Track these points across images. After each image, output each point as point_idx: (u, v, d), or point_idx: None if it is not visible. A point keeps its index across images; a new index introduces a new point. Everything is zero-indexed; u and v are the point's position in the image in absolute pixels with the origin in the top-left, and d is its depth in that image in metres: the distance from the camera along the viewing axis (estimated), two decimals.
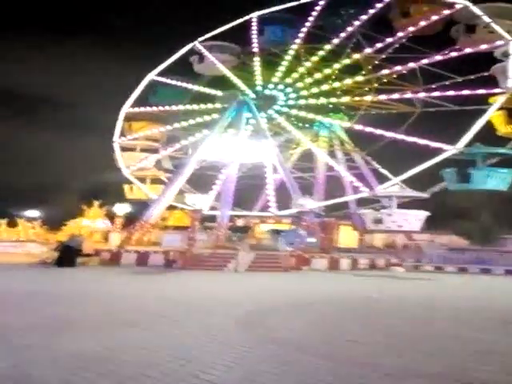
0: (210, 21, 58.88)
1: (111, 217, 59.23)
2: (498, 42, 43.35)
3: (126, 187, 58.28)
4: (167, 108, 55.46)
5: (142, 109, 56.93)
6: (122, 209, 53.46)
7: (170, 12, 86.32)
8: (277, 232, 46.08)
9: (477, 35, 45.64)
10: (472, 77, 46.21)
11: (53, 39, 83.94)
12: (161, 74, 57.62)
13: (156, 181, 58.05)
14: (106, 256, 37.76)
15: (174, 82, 56.07)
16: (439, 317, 16.61)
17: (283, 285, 26.41)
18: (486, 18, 44.14)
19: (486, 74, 45.85)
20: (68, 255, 34.09)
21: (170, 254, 36.80)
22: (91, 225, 58.47)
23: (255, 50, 53.09)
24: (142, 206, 53.69)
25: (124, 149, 57.18)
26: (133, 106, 57.66)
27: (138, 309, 16.09)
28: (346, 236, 50.49)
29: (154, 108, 56.38)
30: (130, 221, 53.53)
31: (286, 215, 46.01)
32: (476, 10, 44.72)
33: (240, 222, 50.47)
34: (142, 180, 56.55)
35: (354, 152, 51.87)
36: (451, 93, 44.49)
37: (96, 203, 60.91)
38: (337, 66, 48.75)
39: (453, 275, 36.67)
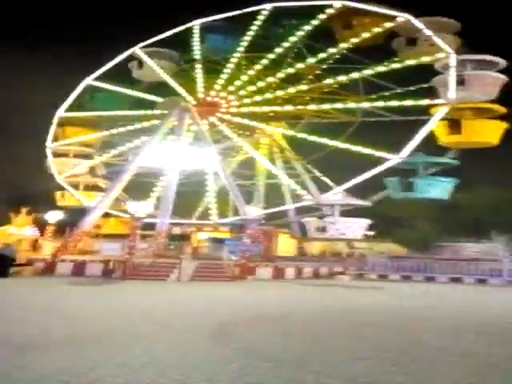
0: (150, 28, 57.49)
1: (40, 224, 56.75)
2: (439, 55, 43.76)
3: (58, 194, 56.07)
4: (104, 113, 53.75)
5: (78, 114, 54.86)
6: (54, 216, 51.05)
7: (109, 18, 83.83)
8: (217, 240, 45.14)
9: (418, 48, 46.18)
10: (412, 88, 46.43)
11: None
12: (99, 79, 55.79)
13: (89, 187, 55.99)
14: (39, 265, 35.86)
15: (111, 87, 54.44)
16: (417, 327, 16.11)
17: (237, 295, 25.46)
18: (428, 32, 44.59)
19: (425, 85, 46.14)
20: (1, 265, 32.04)
21: (110, 263, 35.25)
22: (18, 232, 55.77)
23: (196, 57, 52.06)
24: (74, 213, 51.81)
25: (57, 154, 55.12)
26: (68, 110, 55.57)
27: (94, 324, 14.90)
28: (284, 244, 50.02)
29: (90, 113, 54.52)
30: (63, 228, 51.48)
31: (229, 223, 45.22)
32: (417, 23, 45.13)
33: (177, 230, 49.20)
34: (75, 186, 54.48)
35: (295, 160, 51.39)
36: (395, 103, 44.64)
37: (24, 210, 58.23)
38: (280, 74, 48.11)
39: (399, 283, 36.52)
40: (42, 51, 76.29)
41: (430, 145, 45.47)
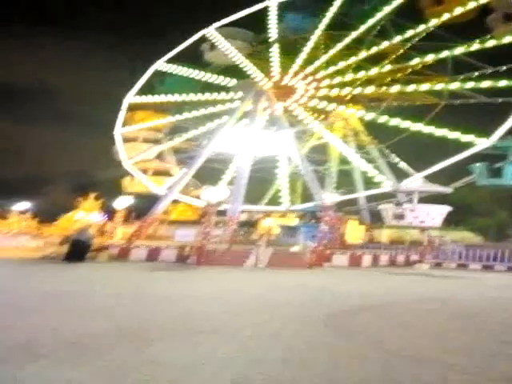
0: (225, 7, 56.19)
1: (107, 210, 57.16)
2: None
3: (126, 180, 56.03)
4: (175, 98, 53.09)
5: (148, 98, 54.43)
6: (123, 202, 51.10)
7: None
8: (290, 227, 44.44)
9: None
10: (504, 67, 43.84)
11: (54, 30, 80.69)
12: (170, 62, 55.16)
13: (158, 173, 55.71)
14: (114, 251, 35.81)
15: (183, 71, 53.69)
16: None
17: (323, 283, 24.52)
18: None
19: None
20: (78, 250, 31.96)
21: (186, 249, 34.92)
22: (86, 217, 56.20)
23: (273, 37, 50.50)
24: (143, 199, 51.89)
25: (126, 139, 54.92)
26: (138, 95, 55.25)
27: (200, 312, 14.20)
28: (353, 231, 48.95)
29: (161, 97, 53.96)
30: (132, 214, 51.66)
31: (302, 210, 44.41)
32: None
33: (243, 217, 48.60)
34: (144, 172, 54.25)
35: (371, 144, 49.58)
36: (487, 83, 42.02)
37: (91, 195, 58.76)
38: (363, 54, 46.12)
39: (483, 273, 34.90)
40: (112, 34, 76.53)
41: None
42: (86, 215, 56.87)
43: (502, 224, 45.57)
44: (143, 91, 56.02)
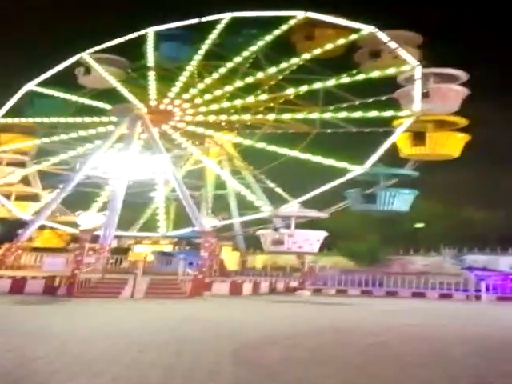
0: (100, 33, 55.04)
1: None
2: (404, 67, 43.11)
3: None
4: (45, 120, 51.36)
5: (16, 120, 52.10)
6: None
7: (57, 23, 79.76)
8: (164, 254, 42.91)
9: (381, 60, 45.89)
10: (369, 100, 45.21)
11: None
12: (43, 85, 53.12)
13: (23, 197, 52.38)
14: None
15: (54, 93, 51.88)
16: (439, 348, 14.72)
17: (210, 314, 23.40)
18: (393, 44, 44.13)
19: (383, 97, 44.93)
20: None
21: (56, 280, 32.39)
22: None
23: (149, 64, 50.42)
24: (4, 225, 48.58)
25: None
26: (6, 117, 52.61)
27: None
28: (227, 257, 48.23)
29: (30, 120, 51.93)
30: None
31: (179, 236, 43.12)
32: (383, 36, 44.82)
33: (113, 244, 46.39)
34: (7, 196, 50.69)
35: (245, 170, 49.58)
36: (358, 114, 43.23)
37: None
38: (238, 84, 46.58)
39: (363, 298, 35.05)
40: None
41: (387, 156, 44.35)
42: None
43: (373, 248, 46.52)
44: (12, 113, 53.21)
